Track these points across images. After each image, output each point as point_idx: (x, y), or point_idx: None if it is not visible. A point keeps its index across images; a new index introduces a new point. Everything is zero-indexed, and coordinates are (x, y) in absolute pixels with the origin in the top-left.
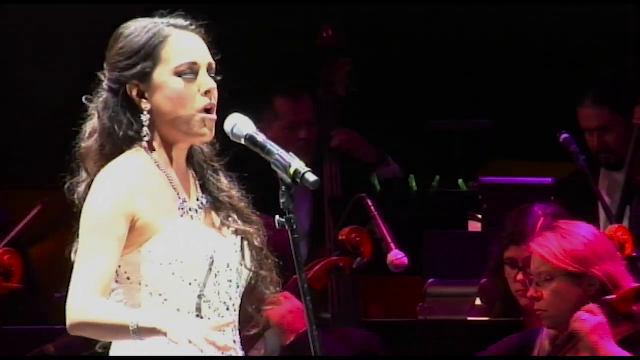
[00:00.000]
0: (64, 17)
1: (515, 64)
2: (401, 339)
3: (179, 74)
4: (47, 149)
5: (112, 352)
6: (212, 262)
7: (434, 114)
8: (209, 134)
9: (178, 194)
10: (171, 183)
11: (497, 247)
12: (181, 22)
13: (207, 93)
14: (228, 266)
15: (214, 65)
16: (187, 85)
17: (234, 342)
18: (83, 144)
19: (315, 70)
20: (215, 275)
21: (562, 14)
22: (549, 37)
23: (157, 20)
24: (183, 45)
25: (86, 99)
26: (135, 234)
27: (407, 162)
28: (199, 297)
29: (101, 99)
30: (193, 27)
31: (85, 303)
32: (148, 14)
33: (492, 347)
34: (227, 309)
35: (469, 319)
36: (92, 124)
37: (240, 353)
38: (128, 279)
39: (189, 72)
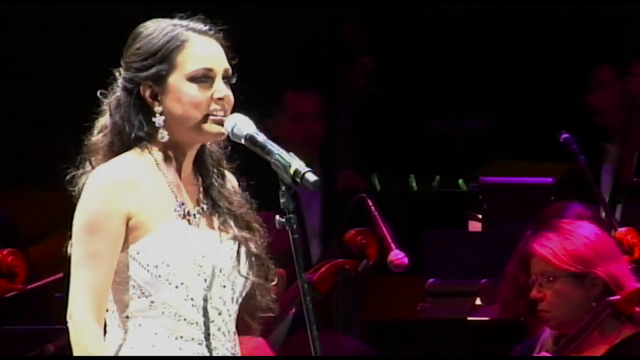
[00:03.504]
0: (64, 15)
1: (516, 64)
2: (401, 339)
3: (193, 79)
4: (47, 149)
5: (109, 352)
6: (201, 266)
7: (434, 114)
8: (222, 131)
9: (176, 197)
10: (169, 186)
11: (529, 237)
12: (200, 26)
13: (220, 100)
14: (221, 271)
15: (230, 71)
16: (201, 90)
17: (227, 349)
18: (93, 138)
19: (334, 70)
20: (205, 280)
21: (562, 15)
22: (549, 37)
23: (176, 22)
24: (200, 50)
25: (101, 94)
26: (127, 231)
27: (407, 162)
28: (192, 299)
29: (114, 96)
30: (212, 32)
31: (81, 329)
32: (151, 14)
33: None
34: (220, 314)
35: (469, 318)
36: (103, 120)
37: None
38: (116, 279)
39: (204, 78)
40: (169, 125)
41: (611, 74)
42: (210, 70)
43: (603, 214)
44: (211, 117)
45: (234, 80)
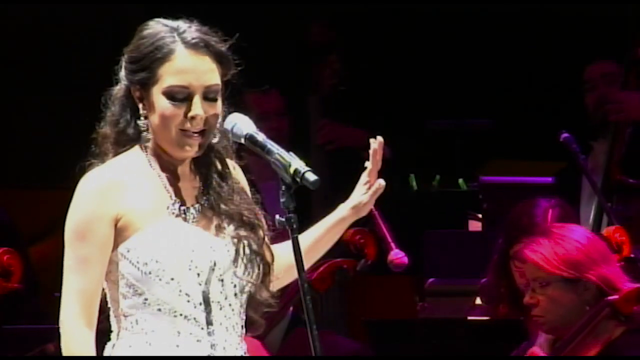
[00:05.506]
0: (64, 14)
1: (516, 64)
2: (401, 338)
3: (168, 95)
4: (47, 149)
5: (107, 352)
6: (191, 261)
7: (434, 114)
8: (190, 151)
9: (170, 196)
10: (163, 185)
11: (502, 244)
12: (192, 37)
13: (192, 118)
14: (216, 265)
15: (213, 87)
16: (173, 107)
17: (231, 344)
18: (101, 129)
19: (303, 69)
20: (199, 275)
21: (561, 15)
22: (548, 37)
23: (173, 27)
24: (182, 66)
25: (116, 79)
26: (116, 232)
27: (407, 162)
28: (186, 294)
29: (118, 86)
30: (202, 45)
31: (70, 336)
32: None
33: None
34: (221, 309)
35: (469, 318)
36: (111, 109)
37: (242, 353)
38: (111, 278)
39: (179, 95)
40: (152, 131)
41: (618, 67)
42: (186, 87)
43: (592, 213)
44: (183, 135)
45: (218, 100)
